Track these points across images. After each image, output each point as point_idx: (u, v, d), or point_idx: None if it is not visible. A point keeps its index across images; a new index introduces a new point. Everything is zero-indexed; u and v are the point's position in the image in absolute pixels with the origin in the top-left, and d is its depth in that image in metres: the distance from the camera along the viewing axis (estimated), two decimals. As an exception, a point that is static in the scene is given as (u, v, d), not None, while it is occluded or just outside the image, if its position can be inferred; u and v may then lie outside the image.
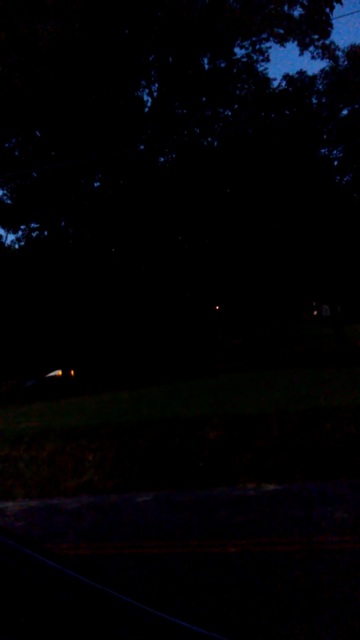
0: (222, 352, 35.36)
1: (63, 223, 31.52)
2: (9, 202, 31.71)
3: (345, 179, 27.63)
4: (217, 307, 34.93)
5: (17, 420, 12.84)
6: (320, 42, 25.09)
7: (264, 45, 28.86)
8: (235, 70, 29.08)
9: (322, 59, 26.22)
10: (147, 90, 29.79)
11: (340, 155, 27.20)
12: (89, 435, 9.87)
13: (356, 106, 24.39)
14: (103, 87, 23.91)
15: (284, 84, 26.66)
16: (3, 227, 33.10)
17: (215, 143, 28.65)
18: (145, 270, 25.50)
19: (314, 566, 4.83)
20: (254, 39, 28.33)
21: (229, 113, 29.96)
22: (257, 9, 25.71)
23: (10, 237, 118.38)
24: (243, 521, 6.30)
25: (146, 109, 29.79)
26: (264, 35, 27.99)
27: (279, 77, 62.95)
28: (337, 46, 26.00)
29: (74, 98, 24.84)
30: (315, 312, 58.27)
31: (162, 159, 30.14)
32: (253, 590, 4.46)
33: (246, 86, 29.43)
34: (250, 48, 28.93)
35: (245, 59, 29.14)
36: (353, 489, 7.03)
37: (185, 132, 28.82)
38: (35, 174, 28.33)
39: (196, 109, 28.95)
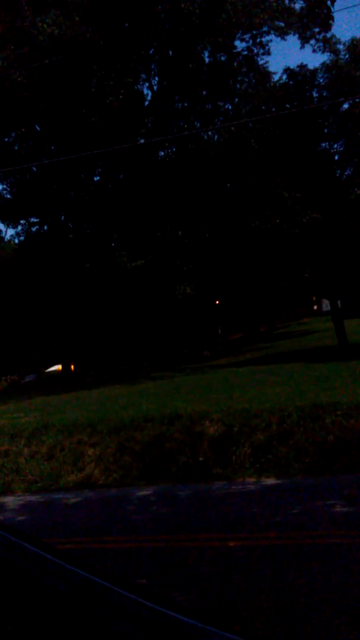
0: (221, 347, 35.39)
1: (63, 217, 31.45)
2: (8, 196, 31.65)
3: (345, 173, 27.53)
4: (217, 302, 34.92)
5: (16, 415, 12.85)
6: (321, 35, 24.93)
7: (265, 39, 28.78)
8: (235, 64, 28.91)
9: (323, 52, 26.02)
10: (147, 84, 29.68)
11: (341, 149, 27.08)
12: (88, 430, 9.88)
13: (357, 100, 24.28)
14: (103, 81, 23.79)
15: (284, 77, 26.48)
16: (3, 222, 33.03)
17: (216, 137, 28.53)
18: (145, 265, 25.43)
19: (314, 560, 4.85)
20: (254, 32, 28.20)
21: (230, 107, 29.83)
22: (258, 2, 25.59)
23: (10, 232, 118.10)
24: (243, 516, 6.32)
25: (146, 103, 29.67)
26: (265, 29, 27.88)
27: (280, 71, 62.80)
28: (339, 39, 25.78)
29: (74, 92, 24.72)
30: (315, 307, 58.24)
31: (162, 153, 30.04)
32: (253, 584, 4.47)
33: (247, 80, 29.29)
34: (251, 41, 28.81)
35: (245, 52, 29.02)
36: (353, 484, 7.05)
37: (186, 126, 28.71)
38: (35, 169, 28.23)
39: (196, 103, 28.82)
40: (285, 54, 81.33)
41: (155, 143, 25.84)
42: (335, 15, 6.81)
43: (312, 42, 25.77)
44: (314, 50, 27.20)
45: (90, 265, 27.22)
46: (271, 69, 59.76)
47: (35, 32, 22.04)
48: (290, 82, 25.95)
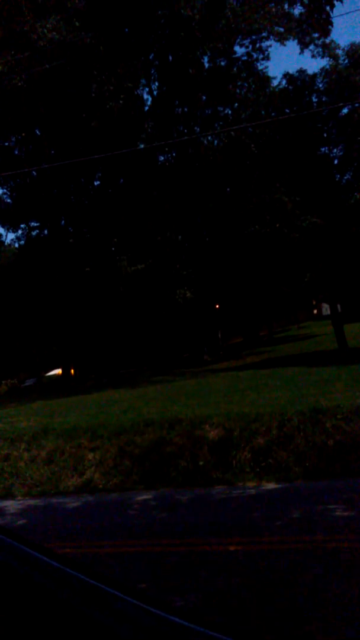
0: (221, 351, 35.36)
1: (63, 222, 31.50)
2: (8, 200, 31.73)
3: (345, 178, 27.61)
4: (217, 306, 34.92)
5: (16, 419, 12.84)
6: (321, 40, 25.10)
7: (264, 44, 28.90)
8: (235, 69, 29.05)
9: (323, 57, 26.18)
10: (147, 89, 29.79)
11: (341, 153, 27.17)
12: (88, 435, 9.87)
13: (356, 104, 24.36)
14: (103, 86, 23.88)
15: (284, 82, 26.63)
16: (3, 226, 33.15)
17: (216, 142, 28.63)
18: (145, 269, 25.48)
19: (314, 564, 4.84)
20: (254, 37, 28.34)
21: (229, 112, 29.94)
22: (257, 8, 25.71)
23: (10, 236, 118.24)
24: (243, 520, 6.30)
25: (146, 108, 29.77)
26: (264, 34, 28.02)
27: (279, 76, 62.97)
28: (338, 45, 25.87)
29: (74, 97, 24.81)
30: (315, 311, 58.25)
31: (162, 158, 30.12)
32: (253, 589, 4.46)
33: (246, 85, 29.41)
34: (251, 46, 28.97)
35: (245, 58, 29.16)
36: (353, 488, 7.03)
37: (185, 131, 28.79)
38: (35, 173, 28.31)
39: (196, 108, 28.92)
40: (285, 59, 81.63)
41: (155, 148, 25.91)
42: (335, 20, 6.85)
43: (312, 47, 25.96)
44: (313, 56, 27.34)
45: (90, 269, 27.26)
46: (271, 74, 59.80)
47: (36, 37, 22.14)
48: (290, 87, 26.05)
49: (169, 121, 28.00)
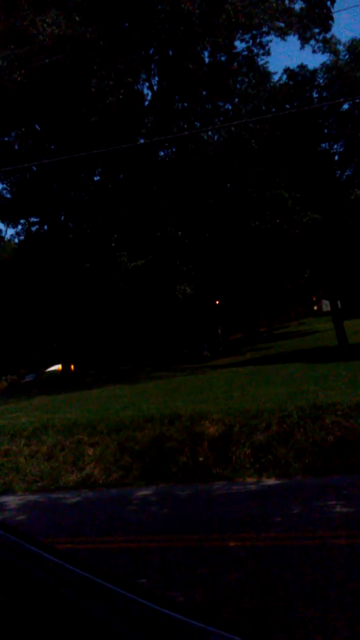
0: (221, 347, 35.37)
1: (63, 217, 31.43)
2: (8, 196, 31.65)
3: (345, 174, 27.54)
4: (217, 302, 34.90)
5: (16, 414, 12.85)
6: (321, 35, 25.00)
7: (265, 39, 28.83)
8: (235, 64, 28.95)
9: (323, 52, 26.05)
10: (147, 84, 29.68)
11: (341, 149, 27.10)
12: (88, 430, 9.88)
13: (357, 100, 24.26)
14: (103, 81, 23.78)
15: (284, 77, 26.53)
16: (3, 221, 33.06)
17: (216, 137, 28.54)
18: (145, 265, 25.42)
19: (315, 561, 4.85)
20: (254, 32, 28.23)
21: (229, 107, 29.84)
22: (257, 2, 25.60)
23: (10, 231, 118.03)
24: (243, 516, 6.31)
25: (146, 103, 29.67)
26: (265, 29, 27.91)
27: (280, 71, 62.76)
28: (338, 40, 25.76)
29: (74, 91, 24.71)
30: (315, 307, 58.24)
31: (162, 153, 30.05)
32: (253, 585, 4.47)
33: (246, 80, 29.32)
34: (251, 41, 28.88)
35: (245, 53, 29.06)
36: (352, 484, 7.04)
37: (186, 126, 28.70)
38: (34, 168, 28.22)
39: (196, 103, 28.82)
40: (286, 55, 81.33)
41: (155, 143, 25.82)
42: (335, 15, 6.82)
43: (312, 42, 25.87)
44: (313, 51, 27.21)
45: (90, 265, 27.21)
46: (271, 69, 59.73)
47: (35, 32, 22.03)
48: (290, 83, 25.95)
49: (169, 116, 27.90)
